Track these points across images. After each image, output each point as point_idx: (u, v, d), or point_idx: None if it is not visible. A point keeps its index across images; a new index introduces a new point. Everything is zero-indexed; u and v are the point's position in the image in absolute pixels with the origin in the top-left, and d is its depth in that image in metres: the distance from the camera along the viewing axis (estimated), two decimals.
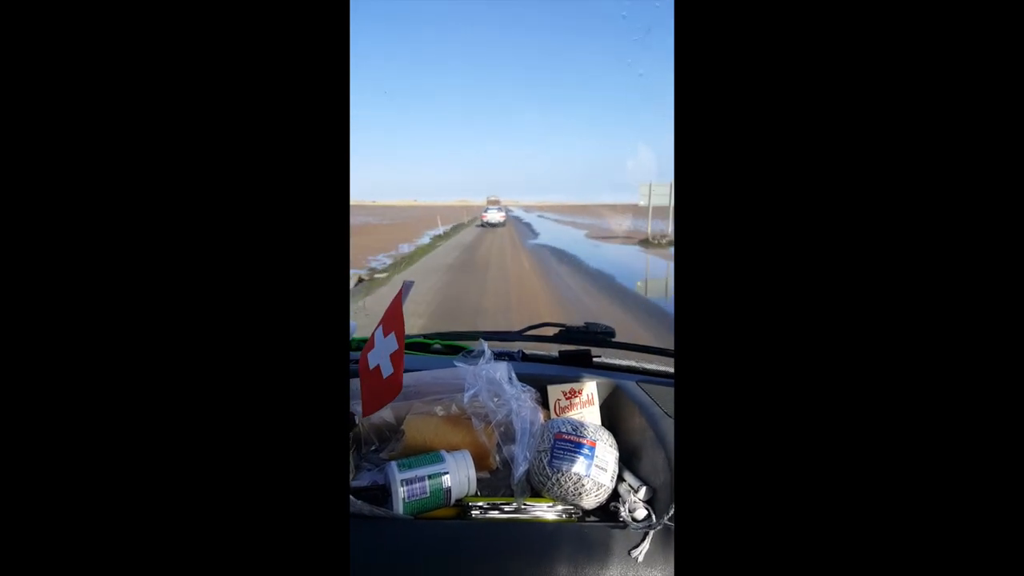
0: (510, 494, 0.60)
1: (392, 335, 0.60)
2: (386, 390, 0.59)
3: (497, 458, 0.63)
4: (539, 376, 0.74)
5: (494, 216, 20.24)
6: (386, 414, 0.68)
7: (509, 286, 6.28)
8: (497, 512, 0.56)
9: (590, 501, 0.58)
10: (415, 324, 3.80)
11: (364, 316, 3.74)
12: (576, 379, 0.75)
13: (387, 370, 0.59)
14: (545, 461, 0.59)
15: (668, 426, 0.62)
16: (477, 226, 20.38)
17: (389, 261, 9.01)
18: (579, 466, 0.58)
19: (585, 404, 0.73)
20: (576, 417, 0.71)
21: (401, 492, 0.54)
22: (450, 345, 0.95)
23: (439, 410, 0.67)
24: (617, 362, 0.88)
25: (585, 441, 0.59)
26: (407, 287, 0.62)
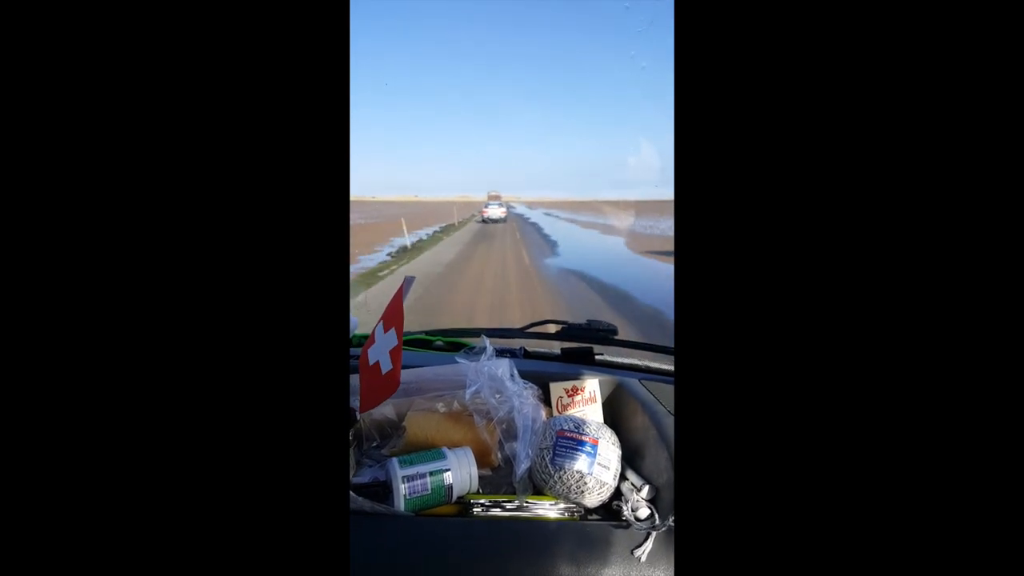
0: (512, 491, 0.59)
1: (392, 331, 0.60)
2: (384, 386, 0.58)
3: (499, 455, 0.63)
4: (541, 373, 0.74)
5: (494, 212, 20.09)
6: (387, 410, 0.68)
7: None
8: (499, 510, 0.55)
9: (592, 499, 0.58)
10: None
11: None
12: (578, 376, 0.74)
13: (386, 366, 0.59)
14: (547, 459, 0.59)
15: (671, 424, 0.61)
16: (477, 222, 19.91)
17: None
18: (581, 464, 0.57)
19: (587, 402, 0.72)
20: (578, 415, 0.70)
21: (402, 489, 0.54)
22: (452, 342, 0.95)
23: (441, 407, 0.66)
24: (619, 360, 0.88)
25: (587, 439, 0.59)
26: (408, 283, 0.62)
